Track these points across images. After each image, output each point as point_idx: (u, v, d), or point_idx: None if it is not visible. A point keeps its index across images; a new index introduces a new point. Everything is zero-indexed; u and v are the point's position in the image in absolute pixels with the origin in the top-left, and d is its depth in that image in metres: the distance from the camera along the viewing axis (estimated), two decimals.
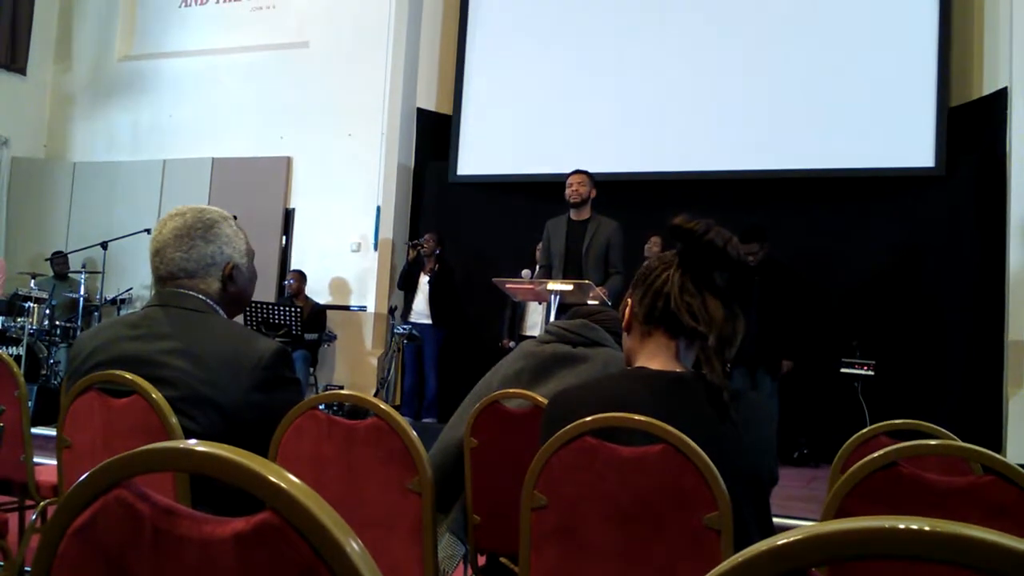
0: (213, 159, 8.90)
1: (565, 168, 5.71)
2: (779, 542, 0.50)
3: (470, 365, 5.50)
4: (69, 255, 8.69)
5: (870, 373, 6.19)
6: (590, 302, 4.51)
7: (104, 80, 9.72)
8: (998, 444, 5.95)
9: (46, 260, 8.68)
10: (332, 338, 8.05)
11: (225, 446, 0.61)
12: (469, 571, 2.25)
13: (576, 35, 7.86)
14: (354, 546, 0.57)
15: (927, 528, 0.47)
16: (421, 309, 7.52)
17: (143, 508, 0.64)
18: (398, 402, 7.74)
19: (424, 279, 7.55)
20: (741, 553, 0.51)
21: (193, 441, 0.63)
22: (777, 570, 0.50)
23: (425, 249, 7.49)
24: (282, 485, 0.58)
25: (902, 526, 0.47)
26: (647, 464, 1.36)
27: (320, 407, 1.71)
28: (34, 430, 2.49)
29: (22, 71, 9.65)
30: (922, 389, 6.36)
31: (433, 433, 2.33)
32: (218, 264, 1.82)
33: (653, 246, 6.54)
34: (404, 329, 7.27)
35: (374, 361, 8.05)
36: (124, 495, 0.64)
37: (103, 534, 0.65)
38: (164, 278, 1.80)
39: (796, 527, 0.51)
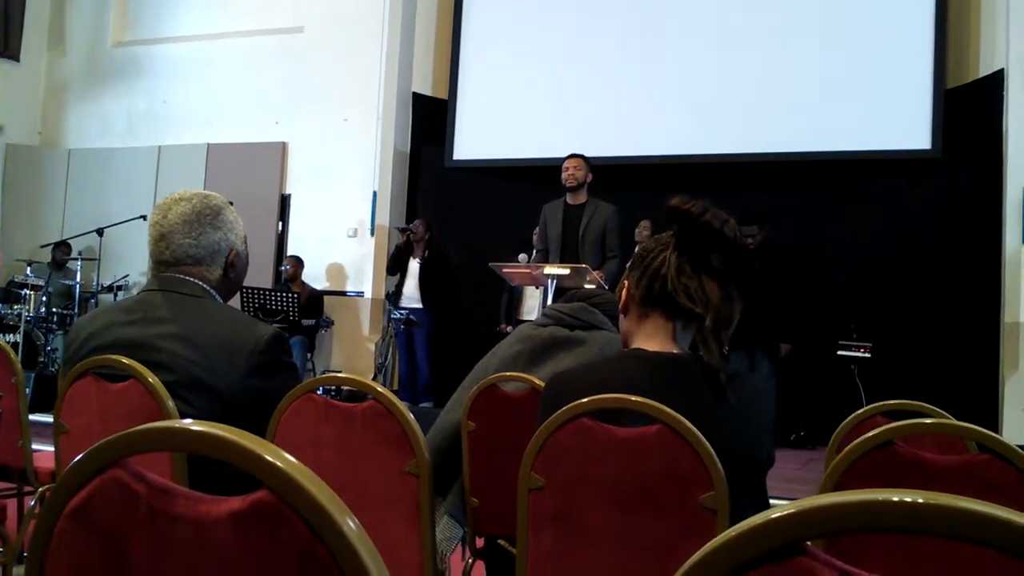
0: (208, 145, 8.87)
1: (561, 152, 5.70)
2: (774, 515, 0.50)
3: (467, 350, 5.50)
4: (66, 242, 8.67)
5: (867, 355, 6.21)
6: (587, 286, 4.51)
7: (98, 66, 9.67)
8: (994, 425, 5.98)
9: (42, 247, 8.64)
10: (329, 324, 8.05)
11: (221, 425, 0.61)
12: (467, 553, 2.26)
13: (572, 19, 7.83)
14: (351, 524, 0.57)
15: (920, 500, 0.47)
16: (411, 294, 7.51)
17: (139, 488, 0.64)
18: (395, 387, 7.75)
19: (415, 264, 7.53)
20: (736, 527, 0.51)
21: (189, 420, 0.63)
22: (772, 544, 0.50)
23: (415, 235, 7.48)
24: (278, 464, 0.58)
25: (896, 499, 0.47)
26: (644, 445, 1.37)
27: (318, 391, 1.71)
28: (32, 417, 2.49)
29: (15, 57, 9.59)
30: (919, 371, 6.38)
31: (430, 418, 2.33)
32: (222, 251, 1.82)
33: (643, 230, 6.54)
34: (401, 314, 7.27)
35: (371, 347, 8.05)
36: (120, 475, 0.64)
37: (99, 514, 0.65)
38: (168, 263, 1.79)
39: None
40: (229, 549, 0.61)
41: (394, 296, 7.63)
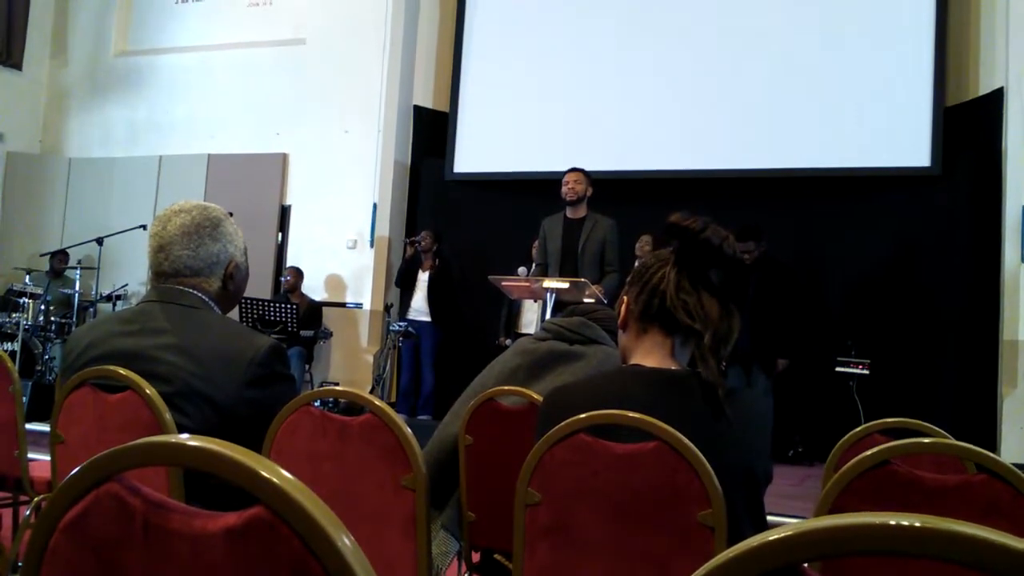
0: (209, 155, 8.89)
1: (562, 166, 5.71)
2: (771, 537, 0.50)
3: (466, 363, 5.50)
4: (64, 251, 8.66)
5: (865, 372, 6.20)
6: (586, 300, 4.51)
7: (100, 76, 9.70)
8: (992, 443, 5.97)
9: (42, 256, 8.65)
10: (328, 335, 8.04)
11: (217, 440, 0.61)
12: (463, 568, 2.25)
13: (573, 32, 7.86)
14: (345, 541, 0.57)
15: (918, 524, 0.47)
16: (420, 306, 7.52)
17: (134, 502, 0.64)
18: (393, 399, 7.74)
19: (423, 276, 7.54)
20: (733, 548, 0.51)
21: (185, 435, 0.62)
22: (768, 565, 0.50)
23: (423, 246, 7.50)
24: (273, 480, 0.58)
25: (893, 522, 0.47)
26: (641, 461, 1.36)
27: (315, 403, 1.71)
28: (29, 426, 2.48)
29: (18, 66, 9.62)
30: (917, 388, 6.37)
31: (428, 431, 2.33)
32: (221, 263, 1.82)
33: (644, 245, 6.54)
34: (400, 326, 7.27)
35: (370, 358, 8.05)
36: (116, 489, 0.64)
37: (94, 528, 0.65)
38: (167, 275, 1.79)
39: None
40: (223, 565, 0.61)
41: (401, 308, 7.62)
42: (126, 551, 0.64)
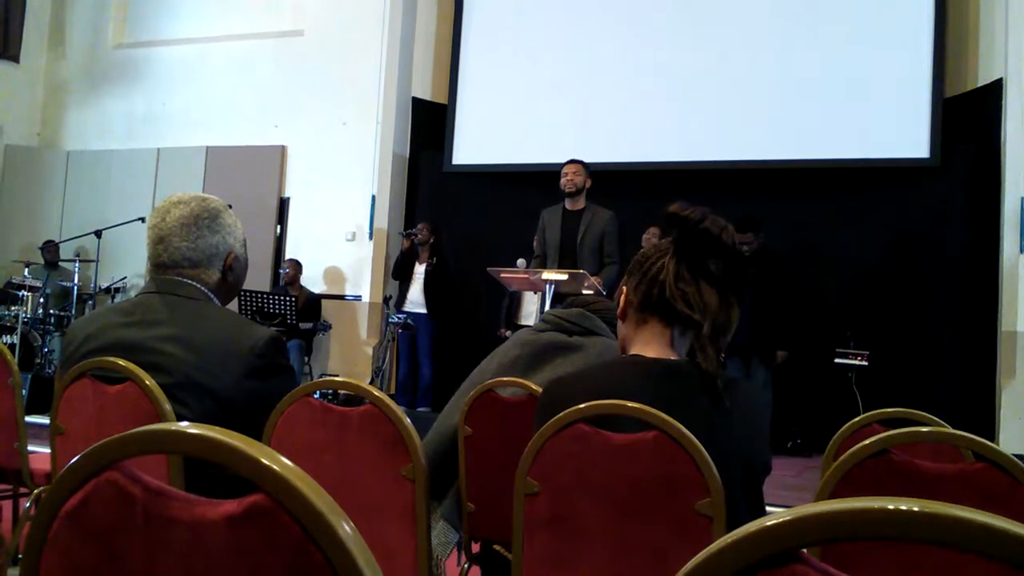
0: (207, 148, 8.87)
1: (561, 157, 5.71)
2: (770, 522, 0.50)
3: (466, 354, 5.50)
4: (62, 243, 8.65)
5: (864, 363, 6.21)
6: (585, 292, 4.51)
7: (98, 68, 9.67)
8: (991, 434, 5.98)
9: (39, 248, 8.65)
10: (327, 327, 8.04)
11: (217, 428, 0.61)
12: (463, 558, 2.25)
13: (572, 24, 7.84)
14: (346, 528, 0.57)
15: (916, 508, 0.47)
16: (416, 299, 7.51)
17: (135, 490, 0.64)
18: (393, 391, 7.74)
19: (420, 268, 7.53)
20: (732, 533, 0.51)
21: (185, 424, 0.63)
22: (768, 551, 0.50)
23: (419, 238, 7.49)
24: (274, 467, 0.58)
25: (891, 507, 0.47)
26: (640, 451, 1.36)
27: (315, 394, 1.71)
28: (28, 418, 2.48)
29: (15, 59, 9.59)
30: (916, 379, 6.38)
31: (428, 422, 2.33)
32: (220, 254, 1.82)
33: (652, 237, 6.53)
34: (399, 318, 7.27)
35: (369, 350, 8.05)
36: (116, 477, 0.64)
37: (94, 516, 0.65)
38: (166, 266, 1.79)
39: None
40: (224, 552, 0.61)
41: (397, 300, 7.62)
42: (127, 539, 0.64)
